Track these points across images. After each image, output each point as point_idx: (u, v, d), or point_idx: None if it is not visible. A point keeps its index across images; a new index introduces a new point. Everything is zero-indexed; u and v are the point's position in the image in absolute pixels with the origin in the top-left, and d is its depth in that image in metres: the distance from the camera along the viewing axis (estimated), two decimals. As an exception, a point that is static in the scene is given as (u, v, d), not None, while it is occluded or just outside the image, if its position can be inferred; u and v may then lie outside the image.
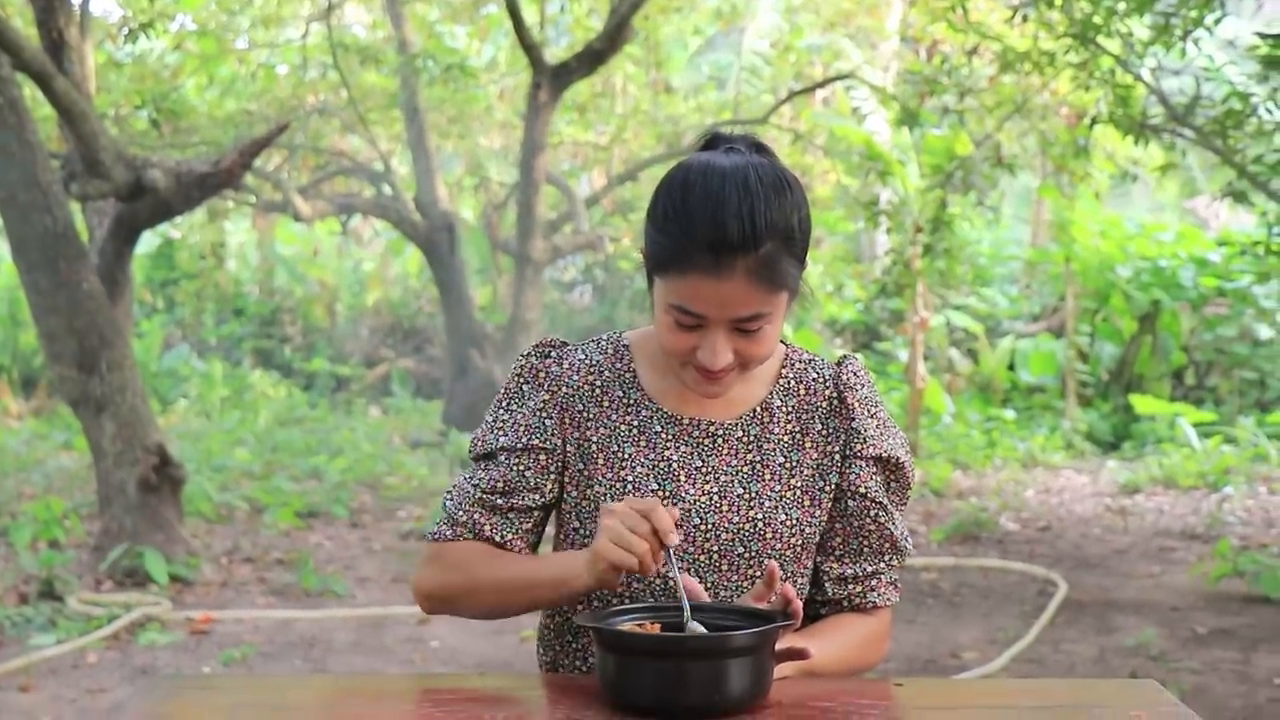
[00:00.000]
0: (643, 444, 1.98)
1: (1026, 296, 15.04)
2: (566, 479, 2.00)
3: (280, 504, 8.88)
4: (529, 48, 10.97)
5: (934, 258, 10.30)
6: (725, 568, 1.96)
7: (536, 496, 1.99)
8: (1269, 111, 7.23)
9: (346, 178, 15.76)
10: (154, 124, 10.99)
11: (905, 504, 2.06)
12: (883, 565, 2.03)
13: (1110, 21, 7.52)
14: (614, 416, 2.00)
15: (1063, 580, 6.96)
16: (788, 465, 1.99)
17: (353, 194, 15.22)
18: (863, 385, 2.03)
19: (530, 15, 12.34)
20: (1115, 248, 13.38)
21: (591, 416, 2.00)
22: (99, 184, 6.93)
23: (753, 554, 1.96)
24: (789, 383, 2.02)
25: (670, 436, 1.98)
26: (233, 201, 14.64)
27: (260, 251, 18.24)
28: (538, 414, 2.00)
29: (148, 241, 15.67)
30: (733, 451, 1.98)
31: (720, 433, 1.98)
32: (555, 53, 13.13)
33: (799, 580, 2.00)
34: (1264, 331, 12.78)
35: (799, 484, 1.98)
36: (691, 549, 1.95)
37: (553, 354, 2.04)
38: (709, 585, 1.95)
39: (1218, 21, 7.22)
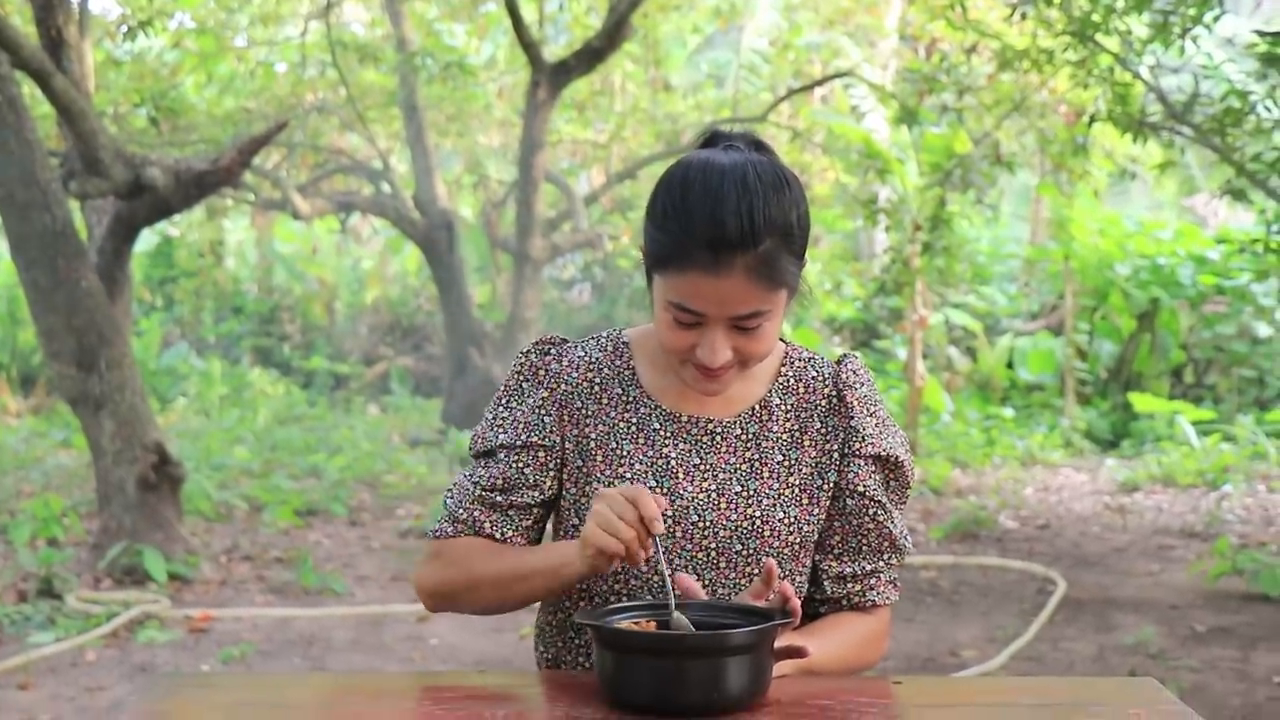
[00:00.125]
0: (641, 441, 1.98)
1: (1025, 294, 15.04)
2: (565, 476, 2.00)
3: (279, 502, 8.88)
4: (528, 46, 10.97)
5: (933, 256, 10.30)
6: (723, 565, 1.96)
7: (536, 493, 2.00)
8: (1267, 109, 7.23)
9: (345, 176, 15.75)
10: (153, 122, 10.98)
11: (904, 502, 2.06)
12: (882, 564, 2.03)
13: (1109, 19, 7.52)
14: (613, 414, 2.00)
15: (1062, 578, 6.97)
16: (786, 463, 1.99)
17: (351, 192, 15.21)
18: (862, 384, 2.03)
19: (529, 13, 12.34)
20: (1114, 246, 13.38)
21: (591, 414, 2.00)
22: (98, 182, 6.92)
23: (751, 552, 1.96)
24: (788, 381, 2.02)
25: (669, 434, 1.98)
26: (231, 199, 14.63)
27: (259, 249, 18.24)
28: (537, 411, 2.00)
29: (146, 239, 15.68)
30: (731, 449, 1.98)
31: (719, 430, 1.98)
32: (554, 51, 13.14)
33: (798, 578, 2.00)
34: (1263, 329, 12.78)
35: (798, 482, 1.98)
36: (690, 546, 1.95)
37: (552, 351, 2.04)
38: (707, 583, 1.95)
39: (1216, 19, 7.22)
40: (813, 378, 2.03)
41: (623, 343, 2.05)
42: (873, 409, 2.03)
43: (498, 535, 1.99)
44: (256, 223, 17.89)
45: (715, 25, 16.00)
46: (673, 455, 1.97)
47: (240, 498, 9.04)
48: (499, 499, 1.99)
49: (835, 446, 2.00)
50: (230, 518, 8.63)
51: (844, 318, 14.69)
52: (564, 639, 2.04)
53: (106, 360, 6.71)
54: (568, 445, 2.00)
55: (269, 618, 6.38)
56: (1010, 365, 13.73)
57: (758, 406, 2.00)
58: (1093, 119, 8.42)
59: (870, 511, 2.00)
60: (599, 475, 1.97)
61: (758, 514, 1.96)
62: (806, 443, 2.00)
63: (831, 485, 2.00)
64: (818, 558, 2.02)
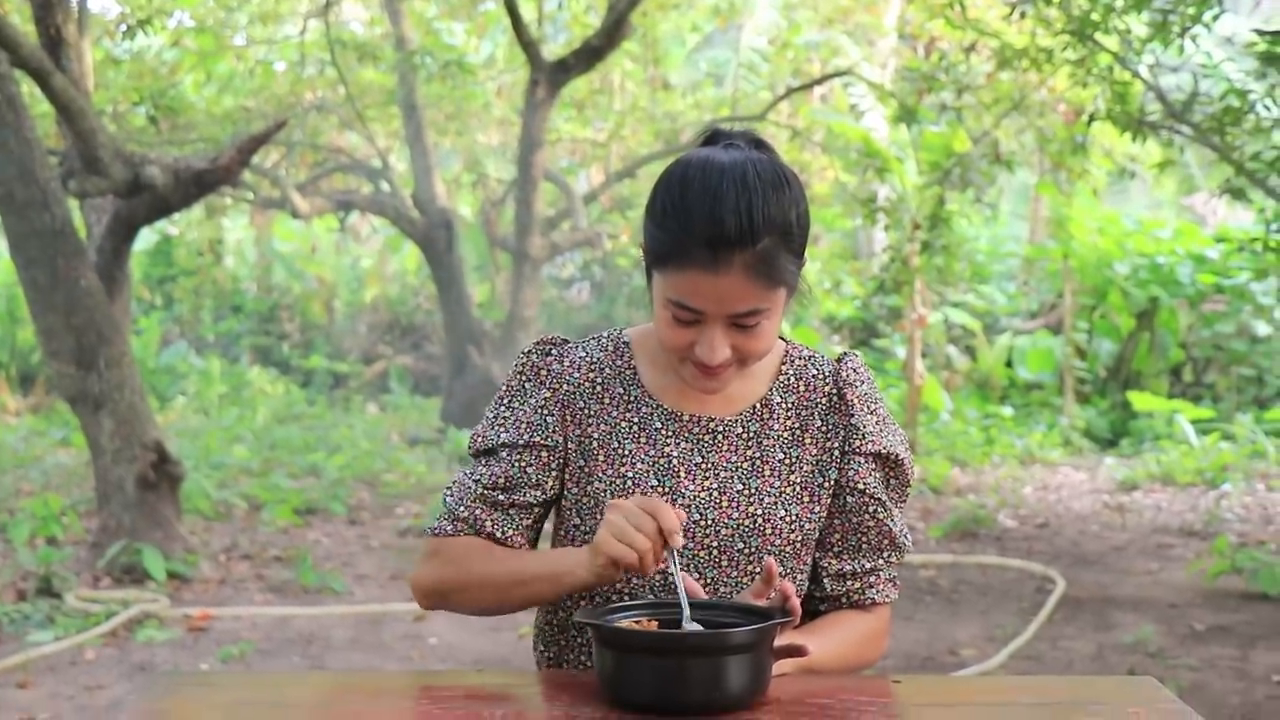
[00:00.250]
0: (643, 440, 1.98)
1: (1024, 293, 15.04)
2: (567, 475, 2.00)
3: (278, 501, 8.88)
4: (527, 44, 10.97)
5: (932, 254, 10.30)
6: (724, 564, 1.96)
7: (537, 493, 1.99)
8: (1267, 108, 7.23)
9: (344, 174, 15.75)
10: (152, 121, 10.97)
11: (904, 501, 2.06)
12: (881, 562, 2.03)
13: (1108, 18, 7.52)
14: (614, 413, 2.00)
15: (1061, 577, 6.97)
16: (787, 461, 1.99)
17: (351, 191, 15.21)
18: (862, 382, 2.03)
19: (528, 12, 12.33)
20: (1113, 244, 13.38)
21: (592, 413, 2.00)
22: (97, 181, 6.92)
23: (752, 550, 1.96)
24: (789, 379, 2.02)
25: (670, 433, 1.98)
26: (230, 198, 14.63)
27: (258, 248, 18.23)
28: (539, 411, 2.00)
29: (145, 238, 15.67)
30: (732, 447, 1.98)
31: (720, 429, 1.98)
32: (553, 49, 13.14)
33: (798, 577, 2.00)
34: (1262, 328, 12.79)
35: (798, 480, 1.98)
36: (691, 545, 1.95)
37: (554, 351, 2.04)
38: (708, 581, 1.95)
39: (1216, 18, 7.21)
40: (813, 376, 2.03)
41: (623, 342, 2.05)
42: (873, 407, 2.03)
43: (498, 534, 1.99)
44: (255, 221, 17.88)
45: (714, 24, 16.00)
46: (674, 454, 1.97)
47: (239, 496, 9.04)
48: (501, 498, 1.99)
49: (836, 444, 2.00)
50: (229, 516, 8.62)
51: (843, 316, 14.69)
52: (566, 638, 2.04)
53: (105, 359, 6.71)
54: (570, 445, 2.00)
55: (268, 616, 6.38)
56: (1009, 364, 13.73)
57: (759, 405, 2.00)
58: (1092, 118, 8.41)
59: (870, 509, 2.00)
60: (600, 475, 1.97)
61: (759, 512, 1.96)
62: (807, 441, 2.00)
63: (832, 483, 2.00)
64: (818, 555, 2.02)
